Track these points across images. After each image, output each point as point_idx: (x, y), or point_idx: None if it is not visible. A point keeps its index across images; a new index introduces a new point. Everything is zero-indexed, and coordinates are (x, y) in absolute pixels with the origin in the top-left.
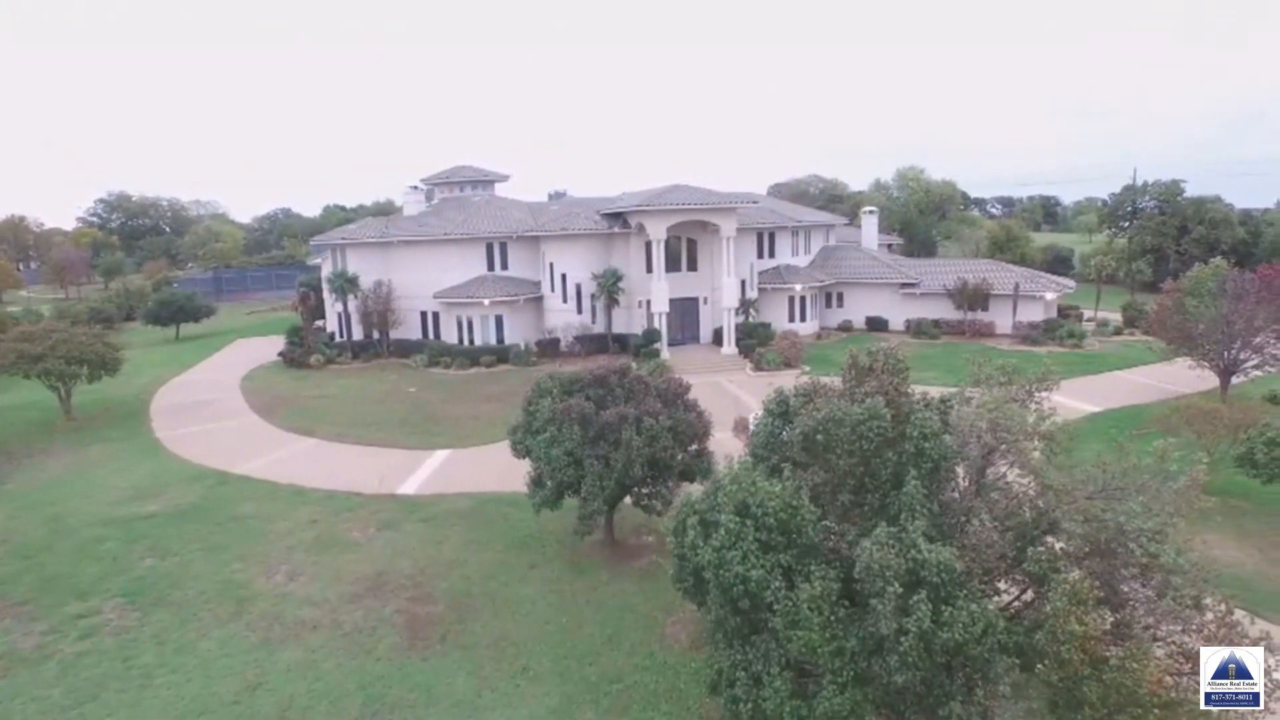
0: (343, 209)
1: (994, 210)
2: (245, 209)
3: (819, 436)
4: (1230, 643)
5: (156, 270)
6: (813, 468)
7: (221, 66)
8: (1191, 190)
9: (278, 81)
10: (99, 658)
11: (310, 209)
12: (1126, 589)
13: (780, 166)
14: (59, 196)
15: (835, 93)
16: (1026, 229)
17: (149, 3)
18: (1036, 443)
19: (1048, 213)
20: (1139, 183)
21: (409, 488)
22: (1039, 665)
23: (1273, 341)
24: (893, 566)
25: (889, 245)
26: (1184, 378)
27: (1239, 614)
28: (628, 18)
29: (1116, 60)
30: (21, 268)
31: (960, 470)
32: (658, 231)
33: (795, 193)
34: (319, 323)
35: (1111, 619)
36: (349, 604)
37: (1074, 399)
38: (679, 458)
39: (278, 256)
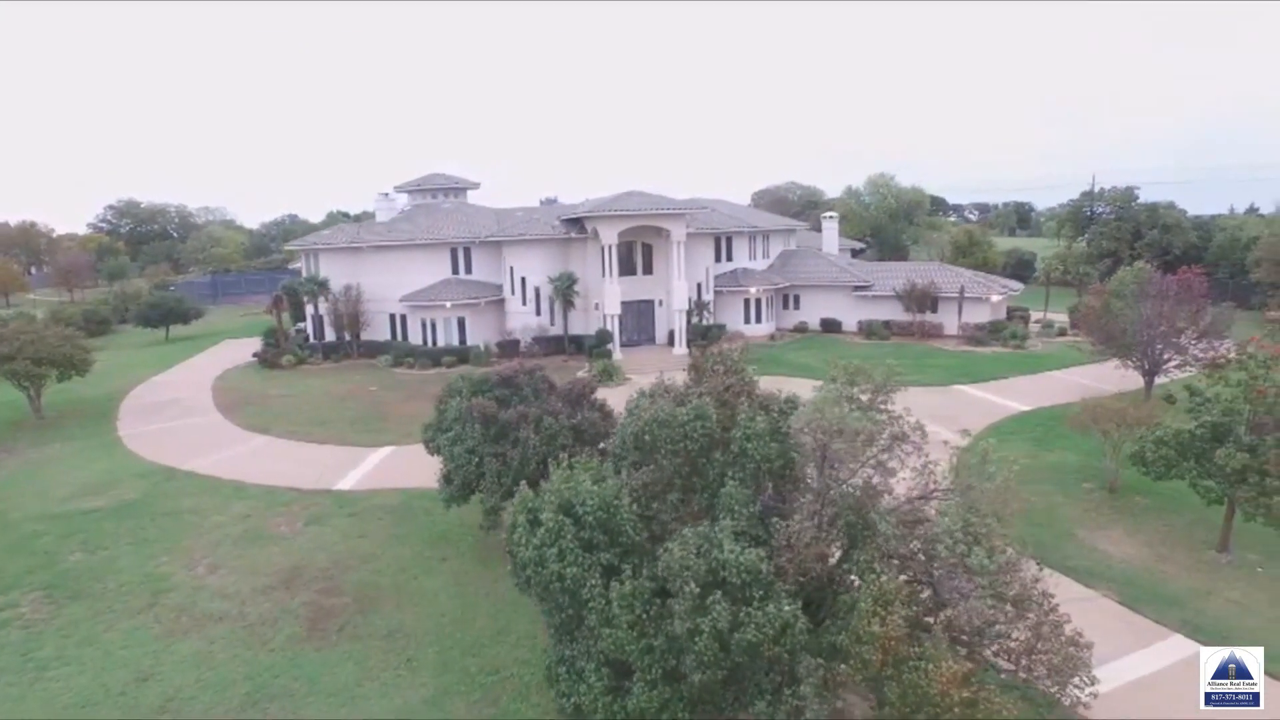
0: (345, 215)
1: (971, 216)
2: (255, 215)
3: (646, 437)
4: (1054, 640)
5: (158, 274)
6: (645, 467)
7: (233, 75)
8: (1179, 196)
9: (285, 90)
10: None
11: (317, 215)
12: (946, 590)
13: (770, 173)
14: (71, 204)
15: (830, 101)
16: (991, 234)
17: (171, 11)
18: (884, 442)
19: (1021, 218)
20: (1096, 189)
21: (346, 483)
22: (842, 665)
23: (1194, 342)
24: (692, 567)
25: (856, 250)
26: (1114, 377)
27: (1062, 607)
28: (638, 32)
29: (1111, 67)
30: (33, 271)
31: (809, 471)
32: (610, 236)
33: (775, 199)
34: (299, 325)
35: (941, 618)
36: (259, 596)
37: (1006, 398)
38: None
39: (275, 261)
